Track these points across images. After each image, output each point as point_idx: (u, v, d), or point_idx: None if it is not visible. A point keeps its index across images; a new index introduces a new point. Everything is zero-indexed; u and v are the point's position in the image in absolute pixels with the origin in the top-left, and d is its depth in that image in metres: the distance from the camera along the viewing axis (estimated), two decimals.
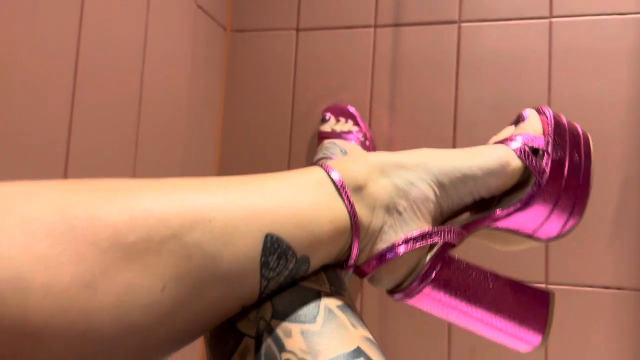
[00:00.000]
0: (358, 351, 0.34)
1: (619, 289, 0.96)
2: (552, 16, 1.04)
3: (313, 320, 0.35)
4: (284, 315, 0.35)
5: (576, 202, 0.48)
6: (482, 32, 1.07)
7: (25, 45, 0.66)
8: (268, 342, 0.34)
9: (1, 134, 0.63)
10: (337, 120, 1.08)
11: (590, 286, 0.97)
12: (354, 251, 0.41)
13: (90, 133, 0.77)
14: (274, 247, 0.35)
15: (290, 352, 0.34)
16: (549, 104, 1.02)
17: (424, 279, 0.44)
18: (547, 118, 0.54)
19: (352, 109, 1.08)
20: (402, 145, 1.07)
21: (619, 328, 0.95)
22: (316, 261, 0.39)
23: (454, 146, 1.05)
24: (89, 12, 0.76)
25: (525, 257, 0.99)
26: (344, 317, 0.36)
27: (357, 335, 0.35)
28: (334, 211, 0.39)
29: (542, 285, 0.98)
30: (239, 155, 1.16)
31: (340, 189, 0.40)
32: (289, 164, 1.13)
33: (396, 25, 1.11)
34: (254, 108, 1.16)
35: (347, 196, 0.40)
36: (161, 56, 0.94)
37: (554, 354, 0.97)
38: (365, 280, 0.44)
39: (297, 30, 1.16)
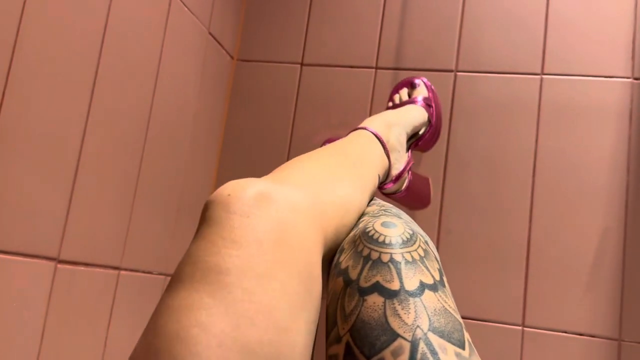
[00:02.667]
0: None
1: (592, 336, 0.99)
2: (543, 73, 1.10)
3: (463, 346, 0.40)
4: (441, 332, 0.40)
5: (439, 129, 1.04)
6: (477, 82, 1.13)
7: (49, 63, 0.70)
8: (425, 351, 0.38)
9: (18, 146, 0.66)
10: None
11: (565, 332, 1.00)
12: (390, 176, 0.77)
13: (102, 140, 0.80)
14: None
15: None
16: (536, 154, 1.07)
17: (408, 170, 0.89)
18: (427, 85, 1.05)
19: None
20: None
21: None
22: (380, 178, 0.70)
23: (444, 183, 1.10)
24: (111, 30, 0.80)
25: (504, 300, 1.03)
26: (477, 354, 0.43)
27: None
28: (382, 155, 0.72)
29: (519, 328, 1.02)
30: (234, 174, 1.19)
31: (383, 143, 0.74)
32: None
33: (396, 69, 1.16)
34: (253, 135, 1.20)
35: (385, 147, 0.74)
36: (172, 76, 0.98)
37: None
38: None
39: (302, 64, 1.21)
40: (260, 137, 1.20)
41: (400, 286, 0.41)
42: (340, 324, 0.41)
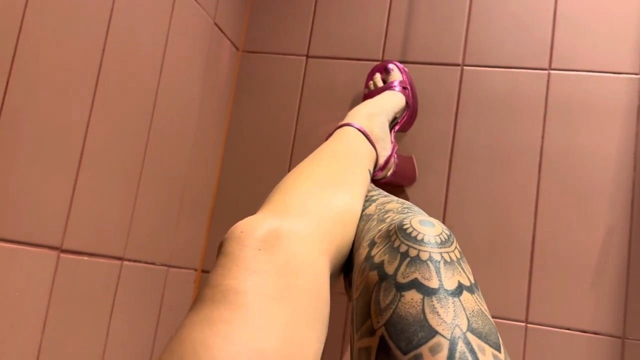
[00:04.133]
0: None
1: (595, 333, 0.99)
2: (551, 68, 1.10)
3: (499, 349, 0.41)
4: (479, 334, 0.40)
5: (416, 109, 1.10)
6: (484, 77, 1.12)
7: (53, 50, 0.69)
8: (464, 350, 0.39)
9: (21, 134, 0.65)
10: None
11: (569, 329, 1.00)
12: (378, 165, 0.85)
13: (106, 130, 0.80)
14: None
15: None
16: (541, 151, 1.07)
17: (393, 152, 0.94)
18: (400, 68, 1.09)
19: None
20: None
21: None
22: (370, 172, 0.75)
23: (449, 178, 1.09)
24: (117, 20, 0.80)
25: (508, 296, 1.02)
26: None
27: None
28: (370, 149, 0.80)
29: (522, 324, 1.01)
30: (238, 169, 1.19)
31: (368, 136, 0.81)
32: None
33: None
34: (258, 126, 1.20)
35: (370, 140, 0.81)
36: (177, 67, 0.97)
37: None
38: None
39: (307, 56, 1.20)
40: (265, 129, 1.19)
41: (439, 285, 0.42)
42: (375, 317, 0.42)
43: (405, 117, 1.07)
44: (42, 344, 0.71)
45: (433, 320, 0.40)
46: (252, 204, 1.17)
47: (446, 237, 0.46)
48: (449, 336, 0.39)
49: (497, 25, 1.14)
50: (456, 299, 0.41)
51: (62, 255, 0.74)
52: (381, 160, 0.87)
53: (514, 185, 1.07)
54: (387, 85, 1.05)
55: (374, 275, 0.45)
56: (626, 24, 1.08)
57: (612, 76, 1.07)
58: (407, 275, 0.43)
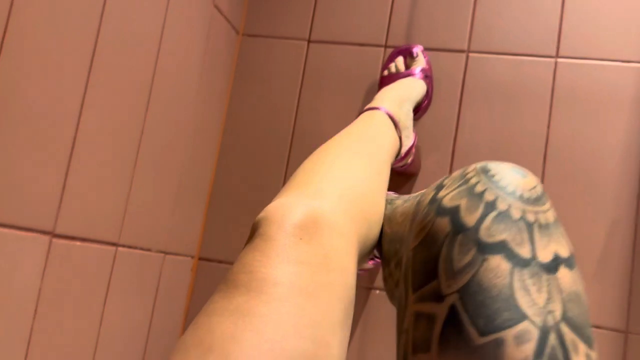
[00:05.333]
0: None
1: (598, 327, 0.97)
2: (558, 56, 1.07)
3: (592, 345, 0.35)
4: (574, 325, 0.33)
5: (431, 100, 1.07)
6: (489, 64, 1.09)
7: (46, 30, 0.67)
8: (554, 344, 0.32)
9: (13, 114, 0.63)
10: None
11: None
12: (399, 154, 0.81)
13: (101, 112, 0.78)
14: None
15: None
16: (547, 139, 1.04)
17: (415, 144, 0.93)
18: (424, 56, 1.06)
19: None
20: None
21: None
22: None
23: (451, 167, 1.07)
24: (112, 2, 0.77)
25: None
26: None
27: None
28: (395, 138, 0.76)
29: None
30: (236, 155, 1.17)
31: (396, 124, 0.78)
32: (287, 169, 1.14)
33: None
34: (257, 111, 1.17)
35: (398, 127, 0.78)
36: (175, 49, 0.95)
37: None
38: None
39: (309, 41, 1.18)
40: (264, 114, 1.17)
41: (532, 254, 0.34)
42: (445, 279, 0.35)
43: (423, 107, 1.04)
44: (33, 330, 0.69)
45: (522, 300, 0.32)
46: (250, 191, 1.15)
47: (540, 193, 0.37)
48: (540, 324, 0.32)
49: (504, 11, 1.11)
50: (551, 276, 0.34)
51: (54, 240, 0.72)
52: (403, 150, 0.83)
53: None
54: (409, 72, 1.01)
55: (444, 223, 0.37)
56: (635, 13, 1.06)
57: (620, 65, 1.04)
58: (493, 233, 0.34)
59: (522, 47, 1.09)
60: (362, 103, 1.13)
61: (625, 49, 1.05)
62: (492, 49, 1.10)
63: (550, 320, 0.33)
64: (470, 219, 0.36)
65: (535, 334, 0.32)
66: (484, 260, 0.34)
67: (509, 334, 0.32)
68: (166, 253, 1.00)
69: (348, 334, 0.39)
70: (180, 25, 0.96)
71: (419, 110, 1.03)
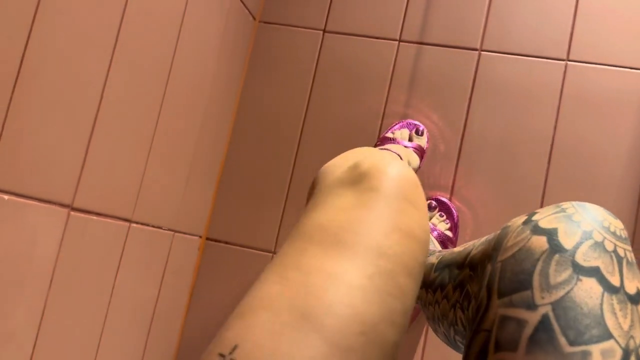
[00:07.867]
0: None
1: None
2: (568, 59, 1.09)
3: None
4: None
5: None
6: (500, 63, 1.11)
7: (76, 7, 0.69)
8: None
9: (39, 90, 0.66)
10: (441, 215, 1.09)
11: None
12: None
13: (122, 93, 0.80)
14: None
15: None
16: (553, 142, 1.07)
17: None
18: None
19: (454, 209, 1.09)
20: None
21: None
22: None
23: (457, 163, 1.10)
24: None
25: None
26: None
27: None
28: None
29: None
30: (248, 139, 1.19)
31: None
32: (296, 156, 1.16)
33: (420, 43, 1.15)
34: (270, 97, 1.20)
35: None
36: (194, 33, 0.97)
37: None
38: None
39: (324, 31, 1.20)
40: (277, 100, 1.19)
41: (621, 284, 0.38)
42: (539, 291, 0.38)
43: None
44: (48, 299, 0.73)
45: (610, 322, 0.36)
46: (259, 176, 1.18)
47: (626, 235, 0.41)
48: (623, 345, 0.35)
49: (517, 12, 1.12)
50: (634, 307, 0.37)
51: (72, 213, 0.75)
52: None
53: (523, 174, 1.07)
54: (412, 145, 1.10)
55: (541, 241, 0.39)
56: None
57: (629, 71, 1.06)
58: (588, 258, 0.38)
59: (533, 48, 1.11)
60: (373, 92, 1.15)
61: (635, 55, 1.06)
62: (504, 49, 1.12)
63: (632, 345, 0.36)
64: (567, 242, 0.39)
65: (619, 353, 0.35)
66: (579, 280, 0.37)
67: (596, 348, 0.35)
68: (175, 231, 1.03)
69: (408, 317, 0.42)
70: (200, 9, 0.98)
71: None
